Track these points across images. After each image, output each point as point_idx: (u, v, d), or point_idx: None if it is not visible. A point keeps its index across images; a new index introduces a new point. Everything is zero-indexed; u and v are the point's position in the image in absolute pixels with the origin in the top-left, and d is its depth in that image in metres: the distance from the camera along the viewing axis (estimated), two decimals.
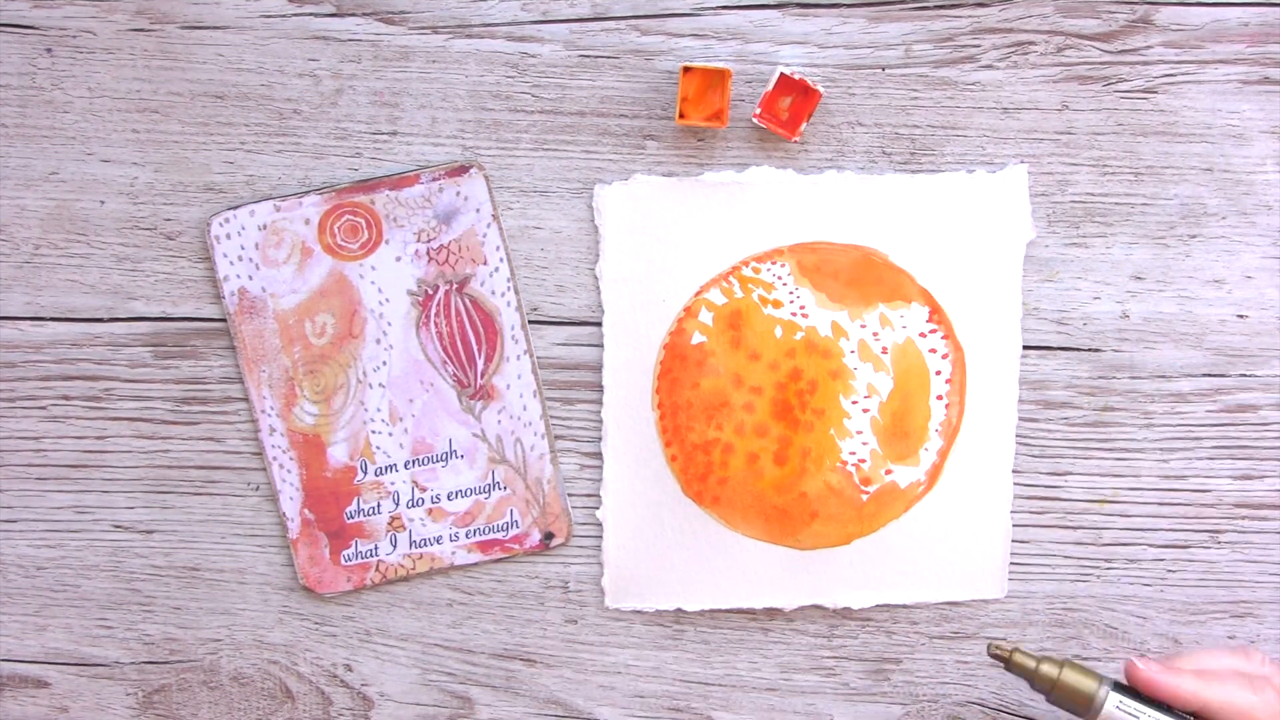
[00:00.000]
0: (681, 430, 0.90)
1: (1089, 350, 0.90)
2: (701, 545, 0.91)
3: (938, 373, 0.89)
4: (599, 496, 0.91)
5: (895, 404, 0.90)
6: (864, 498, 0.90)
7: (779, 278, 0.89)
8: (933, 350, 0.89)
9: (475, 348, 0.90)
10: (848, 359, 0.89)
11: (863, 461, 0.90)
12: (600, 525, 0.91)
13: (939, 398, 0.89)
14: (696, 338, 0.89)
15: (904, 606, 0.92)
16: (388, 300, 0.89)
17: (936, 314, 0.89)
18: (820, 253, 0.89)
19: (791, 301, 0.89)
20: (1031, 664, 0.81)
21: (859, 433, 0.90)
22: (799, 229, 0.89)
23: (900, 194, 0.89)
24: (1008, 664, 0.82)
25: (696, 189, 0.89)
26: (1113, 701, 0.80)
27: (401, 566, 0.92)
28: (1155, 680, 0.79)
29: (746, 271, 0.89)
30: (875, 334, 0.89)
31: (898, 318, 0.89)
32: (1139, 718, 0.80)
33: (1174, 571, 0.92)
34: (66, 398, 0.91)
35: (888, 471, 0.90)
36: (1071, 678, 0.81)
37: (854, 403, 0.89)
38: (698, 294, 0.89)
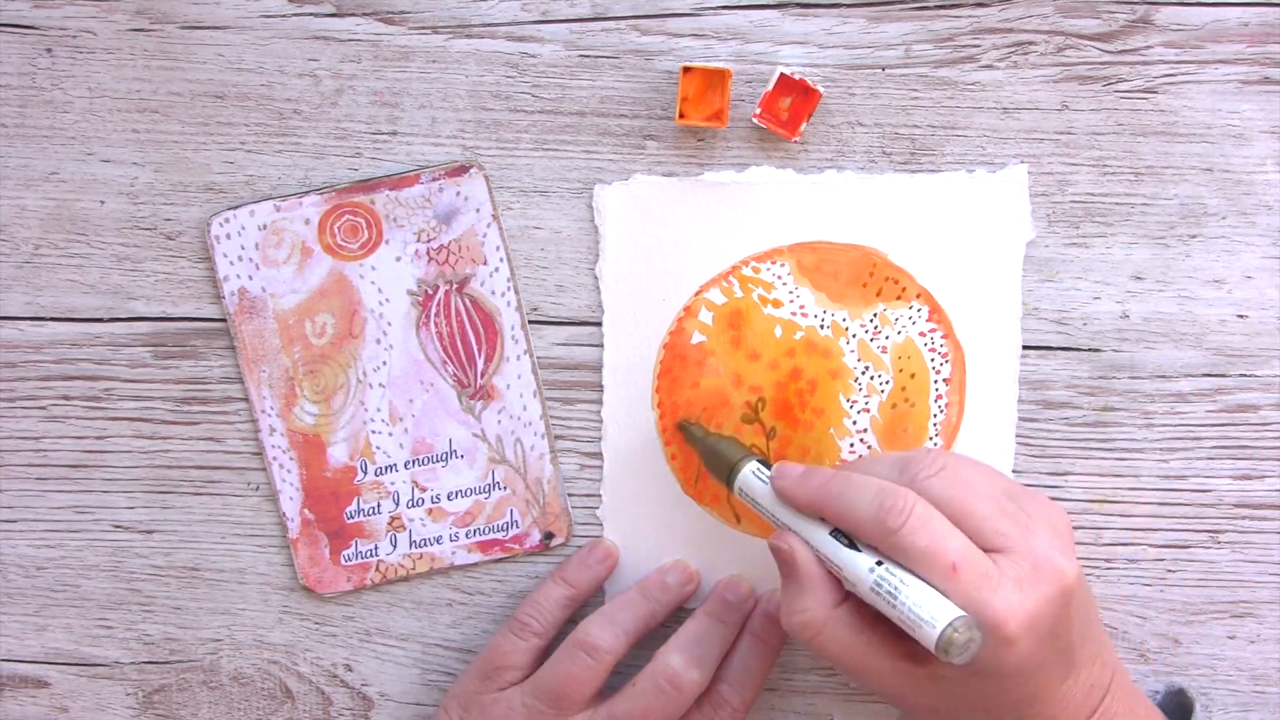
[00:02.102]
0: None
1: (1089, 350, 0.90)
2: (702, 543, 0.91)
3: (937, 372, 0.89)
4: (599, 496, 0.91)
5: (894, 403, 0.90)
6: None
7: (779, 277, 0.89)
8: (932, 350, 0.89)
9: (475, 348, 0.90)
10: (847, 358, 0.89)
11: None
12: (601, 524, 0.91)
13: (938, 397, 0.89)
14: (696, 337, 0.89)
15: None
16: (388, 300, 0.89)
17: (936, 314, 0.89)
18: (820, 252, 0.89)
19: (791, 301, 0.89)
20: (697, 431, 0.87)
21: (859, 432, 0.90)
22: (799, 229, 0.89)
23: (900, 194, 0.89)
24: (682, 430, 0.88)
25: (696, 189, 0.89)
26: (749, 469, 0.83)
27: (401, 566, 0.92)
28: (787, 490, 0.80)
29: (746, 271, 0.89)
30: (875, 333, 0.89)
31: (897, 317, 0.89)
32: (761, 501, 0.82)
33: (1174, 571, 0.91)
34: (66, 398, 0.91)
35: None
36: (720, 445, 0.85)
37: (853, 402, 0.89)
38: (697, 293, 0.89)
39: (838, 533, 0.77)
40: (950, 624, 0.71)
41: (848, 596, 0.78)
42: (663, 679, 0.85)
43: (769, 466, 0.82)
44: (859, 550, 0.76)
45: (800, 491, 0.79)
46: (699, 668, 0.86)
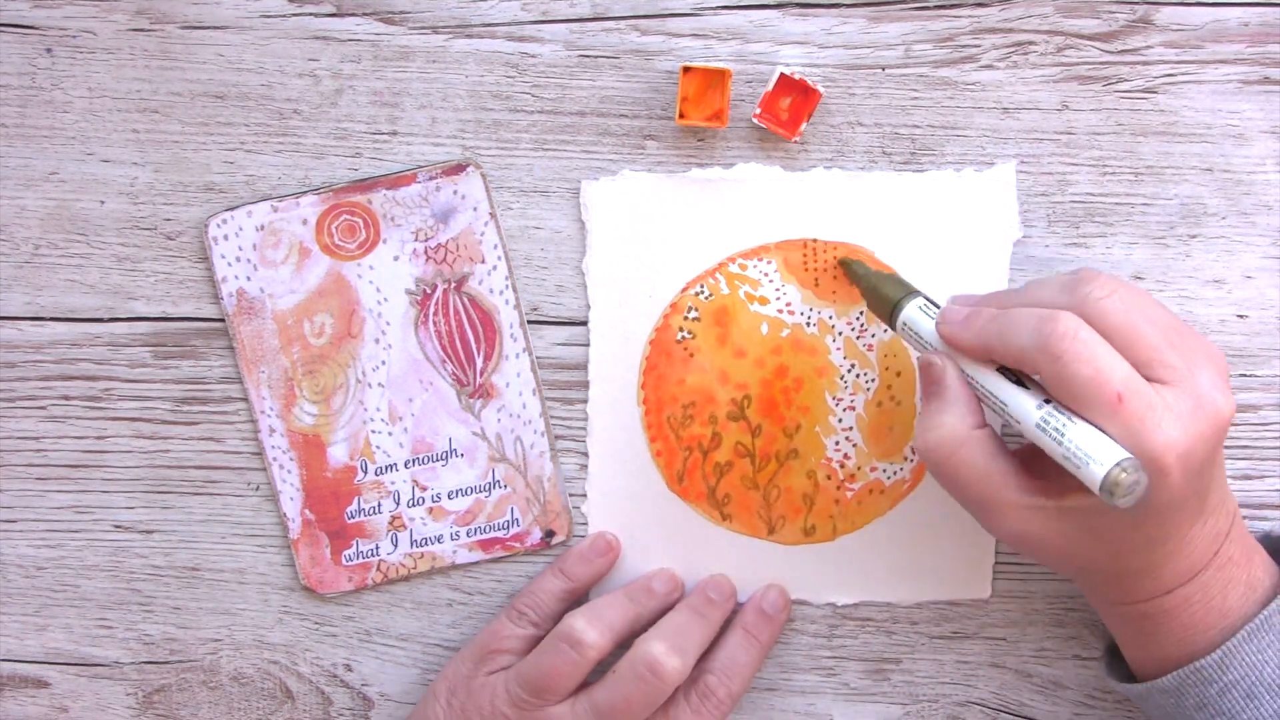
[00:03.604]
0: (666, 426, 0.90)
1: None
2: (686, 540, 0.91)
3: None
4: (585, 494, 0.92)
5: (880, 401, 0.89)
6: (849, 494, 0.90)
7: (765, 274, 0.89)
8: None
9: (474, 346, 0.90)
10: (833, 356, 0.89)
11: (847, 458, 0.90)
12: (585, 521, 0.91)
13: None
14: (682, 334, 0.89)
15: (904, 606, 0.92)
16: (386, 300, 0.90)
17: None
18: (806, 249, 0.89)
19: (778, 298, 0.89)
20: (860, 269, 0.87)
21: (844, 430, 0.89)
22: (786, 226, 0.89)
23: (887, 192, 0.88)
24: (844, 267, 0.88)
25: (683, 185, 0.89)
26: (916, 305, 0.82)
27: (403, 566, 0.92)
28: (952, 335, 0.79)
29: (733, 268, 0.89)
30: (861, 331, 0.89)
31: None
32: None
33: None
34: (66, 398, 0.92)
35: (872, 469, 0.90)
36: (883, 283, 0.85)
37: (839, 400, 0.89)
38: (684, 290, 0.89)
39: (1006, 370, 0.76)
40: (1118, 464, 0.70)
41: (985, 425, 0.77)
42: (643, 666, 0.85)
43: (937, 306, 0.82)
44: (1028, 389, 0.75)
45: (965, 334, 0.78)
46: (679, 656, 0.85)
